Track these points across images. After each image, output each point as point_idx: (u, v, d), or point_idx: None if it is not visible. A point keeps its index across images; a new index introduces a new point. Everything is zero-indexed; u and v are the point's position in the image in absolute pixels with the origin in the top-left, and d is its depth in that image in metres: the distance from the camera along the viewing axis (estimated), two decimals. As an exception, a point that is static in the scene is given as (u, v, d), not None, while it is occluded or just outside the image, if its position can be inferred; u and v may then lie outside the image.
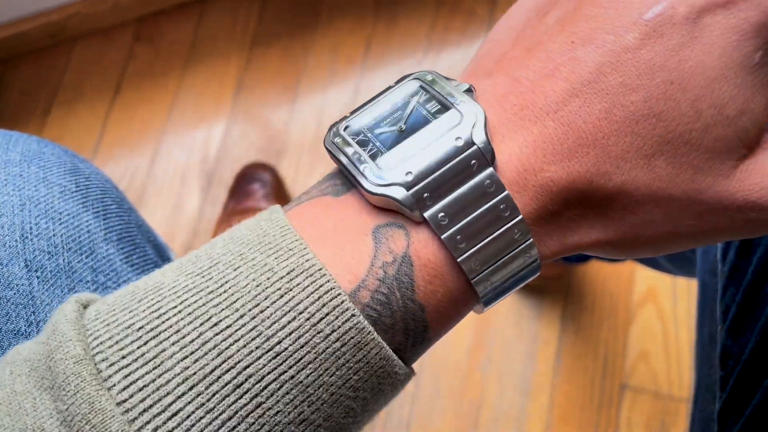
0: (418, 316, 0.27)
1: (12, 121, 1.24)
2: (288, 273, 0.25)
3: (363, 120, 0.29)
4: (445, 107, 0.28)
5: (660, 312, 1.10)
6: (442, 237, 0.27)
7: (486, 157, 0.27)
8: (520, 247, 0.27)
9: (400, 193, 0.27)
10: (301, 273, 0.25)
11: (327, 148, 0.29)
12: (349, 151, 0.28)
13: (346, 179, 0.29)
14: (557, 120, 0.27)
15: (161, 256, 0.45)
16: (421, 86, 0.29)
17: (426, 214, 0.27)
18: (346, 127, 0.29)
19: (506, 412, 1.06)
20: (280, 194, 1.13)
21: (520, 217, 0.27)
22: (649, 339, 1.09)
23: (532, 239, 0.27)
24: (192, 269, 0.26)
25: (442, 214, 0.27)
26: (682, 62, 0.26)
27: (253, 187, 1.12)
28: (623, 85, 0.26)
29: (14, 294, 0.36)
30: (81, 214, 0.39)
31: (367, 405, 0.27)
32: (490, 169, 0.27)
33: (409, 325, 0.27)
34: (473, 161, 0.27)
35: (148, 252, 0.43)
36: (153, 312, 0.25)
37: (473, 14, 1.27)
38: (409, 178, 0.27)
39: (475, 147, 0.27)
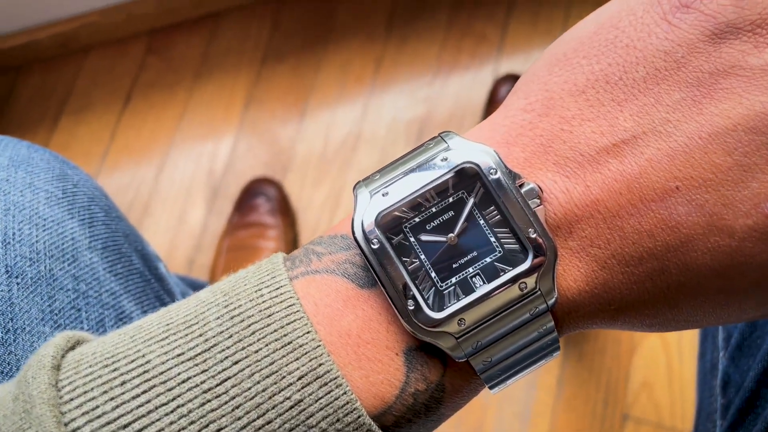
0: (435, 416, 0.26)
1: (21, 128, 1.25)
2: (299, 378, 0.23)
3: (404, 209, 0.25)
4: (508, 225, 0.25)
5: (664, 342, 1.08)
6: (482, 376, 0.25)
7: (548, 305, 0.25)
8: (545, 360, 0.26)
9: (447, 342, 0.25)
10: (315, 380, 0.23)
11: (358, 243, 0.25)
12: (390, 269, 0.25)
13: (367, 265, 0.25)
14: (627, 275, 0.24)
15: (148, 266, 0.44)
16: (481, 184, 0.25)
17: (470, 359, 0.25)
18: (380, 215, 0.25)
19: (504, 439, 1.04)
20: (284, 209, 1.13)
21: (557, 352, 0.26)
22: (652, 369, 1.07)
23: (559, 350, 0.26)
24: (183, 348, 0.24)
25: (487, 359, 0.25)
26: None
27: (258, 201, 1.12)
28: (710, 269, 0.23)
29: None
30: (66, 221, 0.39)
31: None
32: (551, 324, 0.25)
33: (424, 425, 0.26)
34: (533, 309, 0.25)
35: (134, 262, 0.42)
36: (141, 406, 0.23)
37: (484, 38, 1.27)
38: (462, 326, 0.24)
39: (538, 293, 0.24)
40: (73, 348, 0.26)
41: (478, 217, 0.25)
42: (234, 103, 1.26)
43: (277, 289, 0.25)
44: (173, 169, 1.22)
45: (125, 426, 0.22)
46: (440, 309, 0.25)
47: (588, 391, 1.06)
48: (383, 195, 0.25)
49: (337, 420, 0.23)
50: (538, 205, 0.25)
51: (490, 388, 0.26)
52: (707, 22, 0.23)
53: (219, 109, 1.26)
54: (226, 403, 0.23)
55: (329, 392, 0.23)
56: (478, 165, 0.25)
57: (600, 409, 1.05)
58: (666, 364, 1.07)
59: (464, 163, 0.25)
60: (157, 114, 1.26)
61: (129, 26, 1.28)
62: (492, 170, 0.25)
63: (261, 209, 1.10)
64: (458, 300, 0.25)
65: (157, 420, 0.22)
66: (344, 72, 1.27)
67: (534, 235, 0.24)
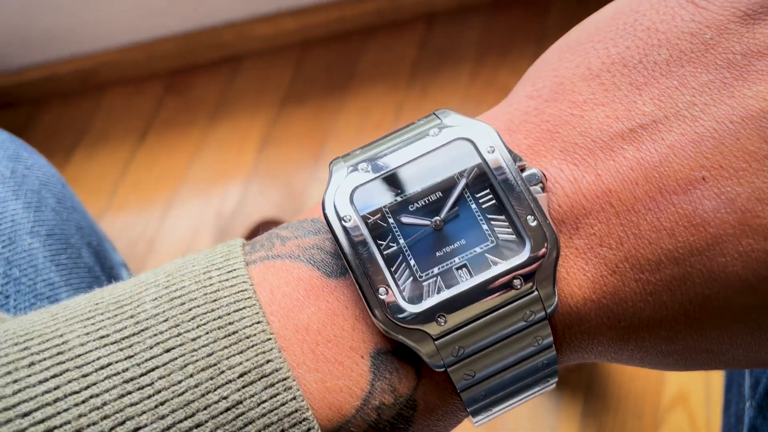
0: None
1: (35, 161, 1.24)
2: (241, 376, 0.19)
3: (385, 187, 0.22)
4: (504, 212, 0.21)
5: (691, 419, 1.01)
6: (462, 394, 0.22)
7: (546, 313, 0.21)
8: (538, 388, 0.23)
9: (424, 345, 0.21)
10: (259, 379, 0.20)
11: (327, 220, 0.22)
12: (362, 251, 0.21)
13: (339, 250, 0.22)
14: (642, 283, 0.20)
15: (101, 264, 0.40)
16: (477, 163, 0.22)
17: (450, 370, 0.21)
18: (356, 189, 0.22)
19: None
20: (291, 254, 1.09)
21: (554, 379, 0.22)
22: (678, 449, 0.99)
23: (556, 376, 0.22)
24: (109, 329, 0.20)
25: (470, 373, 0.21)
26: None
27: (264, 243, 1.08)
28: (740, 280, 0.20)
29: None
30: (9, 201, 0.35)
31: None
32: (550, 338, 0.21)
33: None
34: (529, 315, 0.21)
35: (83, 255, 0.38)
36: (48, 392, 0.19)
37: (507, 89, 1.25)
38: (442, 325, 0.21)
39: (534, 294, 0.21)
40: None
41: (470, 200, 0.22)
42: (249, 144, 1.25)
43: (229, 272, 0.22)
44: (181, 209, 1.21)
45: (26, 414, 0.19)
46: (418, 302, 0.21)
47: (607, 468, 0.98)
48: (362, 170, 0.22)
49: (282, 430, 0.19)
50: (540, 193, 0.21)
51: (473, 414, 0.22)
52: (739, 3, 0.21)
53: (233, 149, 1.25)
54: (149, 397, 0.19)
55: (275, 395, 0.19)
56: (473, 141, 0.22)
57: (620, 488, 0.97)
58: (693, 443, 0.99)
59: (457, 138, 0.22)
60: (169, 153, 1.26)
61: (149, 65, 1.29)
62: (490, 149, 0.22)
63: (267, 251, 1.07)
64: (439, 293, 0.21)
65: (65, 410, 0.19)
66: (364, 118, 1.25)
67: (534, 224, 0.21)
